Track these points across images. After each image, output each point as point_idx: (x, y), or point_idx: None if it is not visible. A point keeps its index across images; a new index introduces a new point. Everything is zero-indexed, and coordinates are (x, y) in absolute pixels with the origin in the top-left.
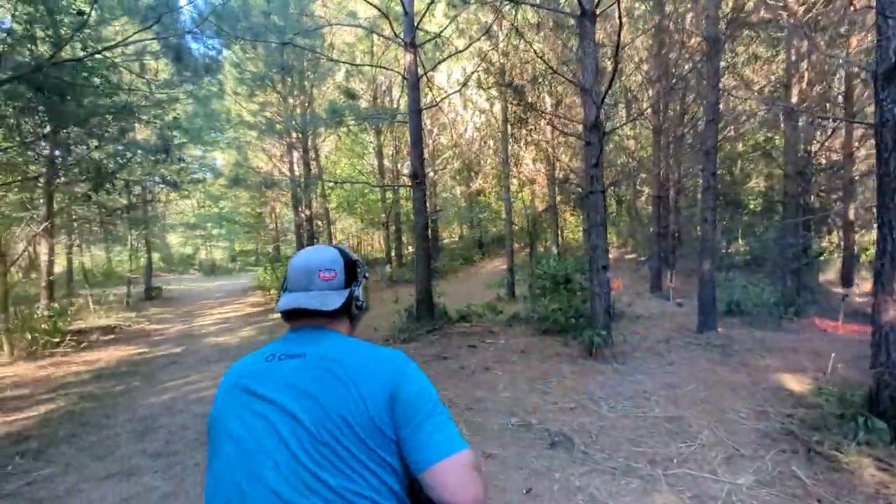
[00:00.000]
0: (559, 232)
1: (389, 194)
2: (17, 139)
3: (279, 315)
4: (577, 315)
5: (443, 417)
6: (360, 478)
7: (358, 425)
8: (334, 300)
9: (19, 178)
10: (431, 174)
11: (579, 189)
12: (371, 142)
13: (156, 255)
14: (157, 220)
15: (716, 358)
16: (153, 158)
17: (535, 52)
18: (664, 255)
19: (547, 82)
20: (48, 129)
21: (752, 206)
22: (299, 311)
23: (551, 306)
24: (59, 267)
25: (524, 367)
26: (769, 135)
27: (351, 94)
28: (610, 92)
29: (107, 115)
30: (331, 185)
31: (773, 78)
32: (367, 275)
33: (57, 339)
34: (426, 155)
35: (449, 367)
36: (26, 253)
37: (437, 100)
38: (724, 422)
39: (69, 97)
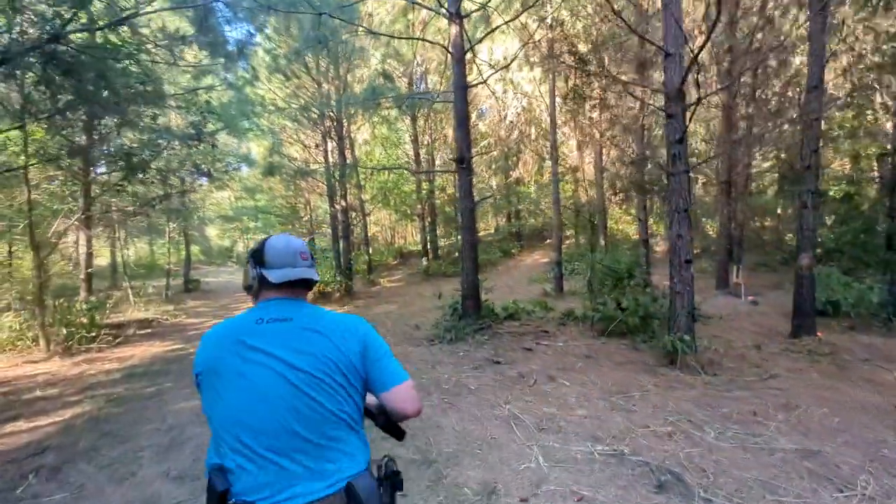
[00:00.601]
0: (605, 223)
1: (425, 184)
2: (55, 129)
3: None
4: (646, 315)
5: (392, 358)
6: (344, 400)
7: (343, 367)
8: (315, 275)
9: (59, 169)
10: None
11: (643, 171)
12: (406, 130)
13: (195, 248)
14: (194, 212)
15: (830, 370)
16: (186, 145)
17: (612, 9)
18: (730, 248)
19: (613, 51)
20: (82, 115)
21: (834, 192)
22: (287, 283)
23: (613, 304)
24: (104, 260)
25: (595, 377)
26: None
27: (387, 76)
28: (693, 56)
29: (139, 103)
30: (366, 174)
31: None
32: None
33: (93, 334)
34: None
35: (505, 373)
36: (75, 245)
37: (485, 76)
38: (880, 461)
39: (101, 81)
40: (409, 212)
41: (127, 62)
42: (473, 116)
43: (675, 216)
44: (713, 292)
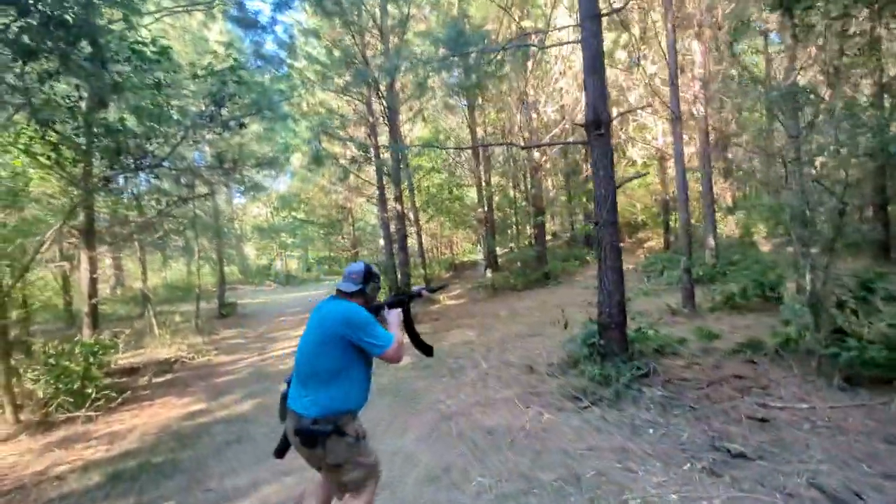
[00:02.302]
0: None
1: (495, 179)
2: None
3: None
4: None
5: (375, 328)
6: (334, 357)
7: (323, 339)
8: (351, 287)
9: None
10: (537, 154)
11: None
12: (461, 104)
13: (232, 268)
14: (226, 225)
15: None
16: (200, 122)
17: None
18: None
19: None
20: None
21: None
22: (342, 291)
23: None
24: (137, 282)
25: None
26: None
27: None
28: None
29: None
30: (419, 176)
31: None
32: (379, 279)
33: (88, 391)
34: (534, 122)
35: (770, 479)
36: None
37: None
38: None
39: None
40: (466, 218)
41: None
42: (543, 98)
43: None
44: None
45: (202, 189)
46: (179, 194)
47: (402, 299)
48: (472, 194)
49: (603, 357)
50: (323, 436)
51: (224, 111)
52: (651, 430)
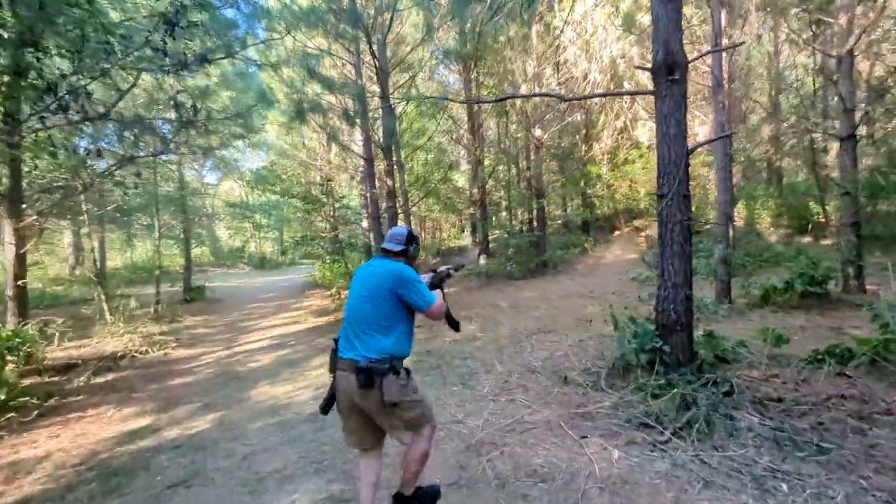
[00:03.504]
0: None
1: (489, 161)
2: None
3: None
4: None
5: (420, 286)
6: (386, 309)
7: (377, 292)
8: (396, 247)
9: None
10: (538, 132)
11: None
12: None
13: (201, 250)
14: (199, 206)
15: None
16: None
17: None
18: None
19: None
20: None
21: None
22: (387, 250)
23: None
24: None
25: None
26: None
27: None
28: None
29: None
30: (408, 155)
31: None
32: (419, 242)
33: (2, 398)
34: (554, 81)
35: None
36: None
37: None
38: None
39: None
40: (456, 200)
41: None
42: (555, 82)
43: None
44: None
45: (154, 147)
46: (124, 153)
47: (438, 280)
48: (459, 177)
49: (666, 367)
50: (380, 375)
51: (180, 40)
52: (784, 485)
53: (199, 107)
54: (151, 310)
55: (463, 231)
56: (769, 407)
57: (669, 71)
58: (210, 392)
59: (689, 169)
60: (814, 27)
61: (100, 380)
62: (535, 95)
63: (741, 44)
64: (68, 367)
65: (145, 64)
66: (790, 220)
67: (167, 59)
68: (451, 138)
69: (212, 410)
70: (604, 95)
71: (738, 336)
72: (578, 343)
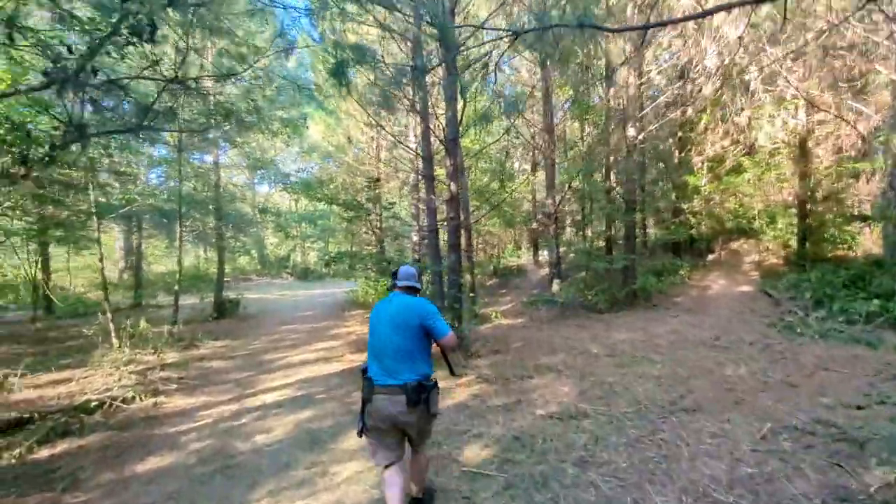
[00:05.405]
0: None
1: (567, 166)
2: None
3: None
4: None
5: (441, 318)
6: (412, 340)
7: (408, 324)
8: (416, 285)
9: None
10: (632, 132)
11: None
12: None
13: (246, 259)
14: (252, 215)
15: None
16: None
17: None
18: None
19: None
20: None
21: None
22: (405, 287)
23: None
24: (155, 265)
25: None
26: None
27: None
28: None
29: None
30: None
31: None
32: (421, 279)
33: None
34: (631, 87)
35: None
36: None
37: None
38: None
39: None
40: (520, 214)
41: None
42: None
43: None
44: None
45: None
46: (103, 125)
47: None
48: (521, 186)
49: None
50: (426, 392)
51: None
52: None
53: (185, 52)
54: (165, 331)
55: (518, 248)
56: None
57: None
58: (182, 497)
59: None
60: None
61: (44, 452)
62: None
63: None
64: (18, 424)
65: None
66: None
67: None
68: (517, 139)
69: None
70: None
71: None
72: (758, 442)
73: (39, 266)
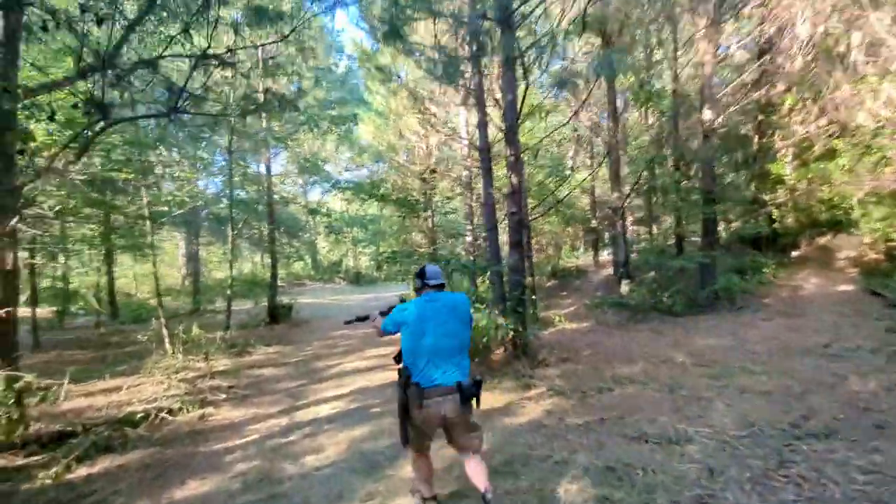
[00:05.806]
0: None
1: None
2: None
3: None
4: None
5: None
6: (466, 334)
7: (464, 320)
8: (443, 281)
9: None
10: (708, 114)
11: None
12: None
13: (301, 264)
14: (305, 222)
15: None
16: None
17: None
18: None
19: None
20: None
21: None
22: (439, 285)
23: None
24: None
25: None
26: None
27: None
28: None
29: None
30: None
31: None
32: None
33: None
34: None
35: None
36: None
37: None
38: None
39: None
40: (579, 211)
41: None
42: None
43: None
44: None
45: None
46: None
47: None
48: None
49: None
50: (478, 388)
51: None
52: None
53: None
54: (217, 337)
55: (575, 248)
56: None
57: None
58: None
59: None
60: None
61: (82, 471)
62: None
63: None
64: (60, 437)
65: None
66: None
67: None
68: (575, 131)
69: None
70: None
71: None
72: None
73: (105, 273)
